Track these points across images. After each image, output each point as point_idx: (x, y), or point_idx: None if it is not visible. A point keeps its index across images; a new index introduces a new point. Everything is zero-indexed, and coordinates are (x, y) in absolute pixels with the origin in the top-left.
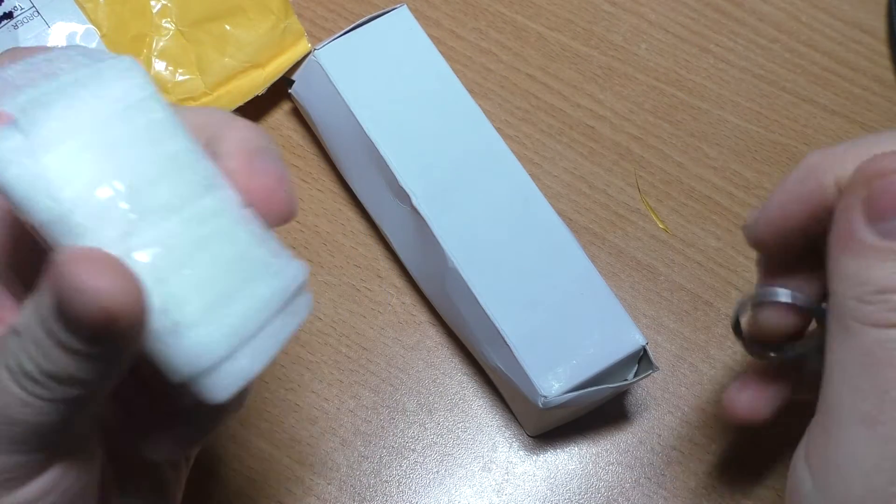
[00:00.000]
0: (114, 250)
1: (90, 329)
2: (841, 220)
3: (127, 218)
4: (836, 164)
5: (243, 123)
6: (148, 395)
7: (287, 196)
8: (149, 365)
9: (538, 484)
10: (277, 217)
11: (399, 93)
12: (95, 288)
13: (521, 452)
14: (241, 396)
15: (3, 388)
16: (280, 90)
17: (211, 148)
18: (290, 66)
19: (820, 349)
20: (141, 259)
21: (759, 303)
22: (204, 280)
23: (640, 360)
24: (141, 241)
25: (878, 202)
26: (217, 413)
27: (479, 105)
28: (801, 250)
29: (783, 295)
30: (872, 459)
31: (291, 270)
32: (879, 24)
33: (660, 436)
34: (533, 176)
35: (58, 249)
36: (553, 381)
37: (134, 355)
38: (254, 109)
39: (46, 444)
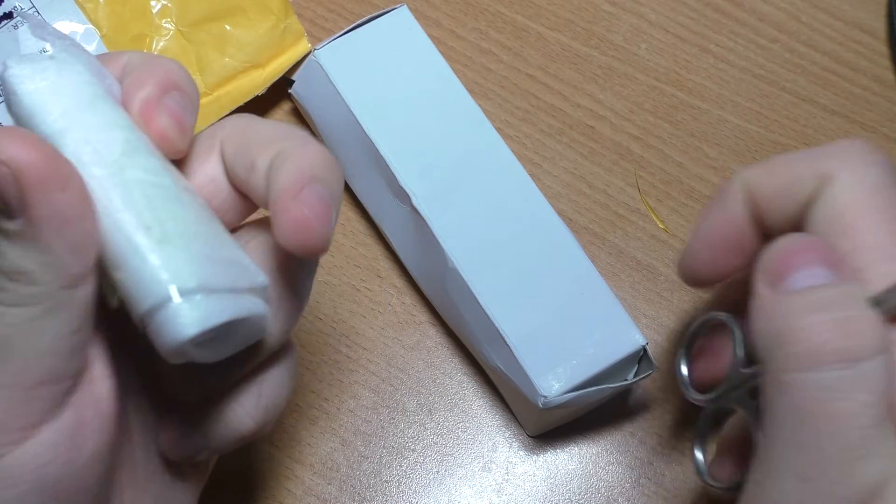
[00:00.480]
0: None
1: (8, 197)
2: (753, 297)
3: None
4: (745, 181)
5: (314, 150)
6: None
7: (319, 233)
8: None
9: (538, 484)
10: (303, 247)
11: (399, 93)
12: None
13: (521, 452)
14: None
15: None
16: (280, 90)
17: (275, 163)
18: (290, 66)
19: (752, 394)
20: (129, 177)
21: (705, 323)
22: (180, 220)
23: (640, 360)
24: (128, 173)
25: (772, 267)
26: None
27: (479, 105)
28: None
29: (727, 317)
30: None
31: (255, 267)
32: (879, 24)
33: (660, 436)
34: (533, 176)
35: None
36: (553, 381)
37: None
38: (254, 109)
39: (39, 370)
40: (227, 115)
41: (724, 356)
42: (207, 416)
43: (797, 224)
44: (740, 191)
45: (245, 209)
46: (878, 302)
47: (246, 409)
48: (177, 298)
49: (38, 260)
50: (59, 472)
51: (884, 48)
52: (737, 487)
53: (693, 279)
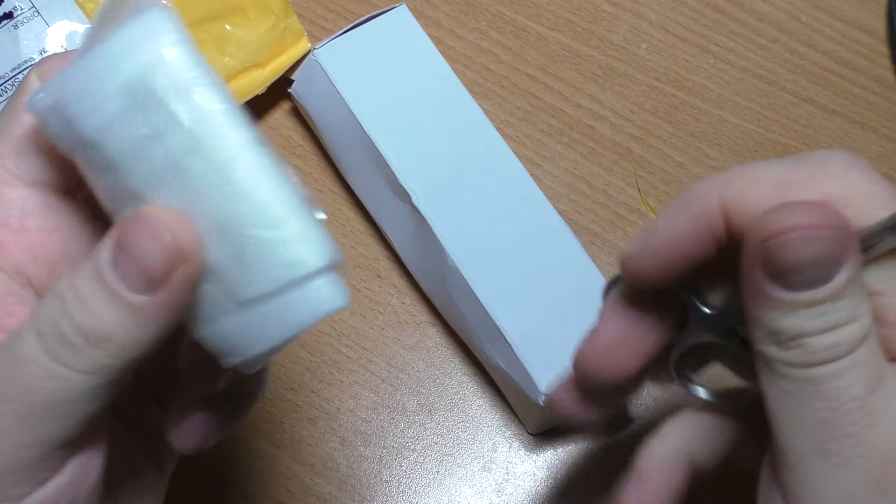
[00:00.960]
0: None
1: (150, 268)
2: (747, 275)
3: None
4: (721, 187)
5: None
6: (180, 383)
7: None
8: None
9: (538, 484)
10: None
11: (399, 92)
12: (165, 228)
13: (522, 452)
14: (263, 383)
15: (31, 360)
16: (280, 90)
17: None
18: (289, 66)
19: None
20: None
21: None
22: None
23: None
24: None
25: (775, 262)
26: (248, 395)
27: (479, 105)
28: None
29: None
30: (834, 487)
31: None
32: (879, 24)
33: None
34: (533, 176)
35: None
36: (554, 378)
37: (171, 324)
38: (254, 109)
39: (68, 432)
40: None
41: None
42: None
43: None
44: (715, 205)
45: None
46: (866, 242)
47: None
48: (329, 272)
49: (132, 339)
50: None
51: (884, 48)
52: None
53: (639, 281)
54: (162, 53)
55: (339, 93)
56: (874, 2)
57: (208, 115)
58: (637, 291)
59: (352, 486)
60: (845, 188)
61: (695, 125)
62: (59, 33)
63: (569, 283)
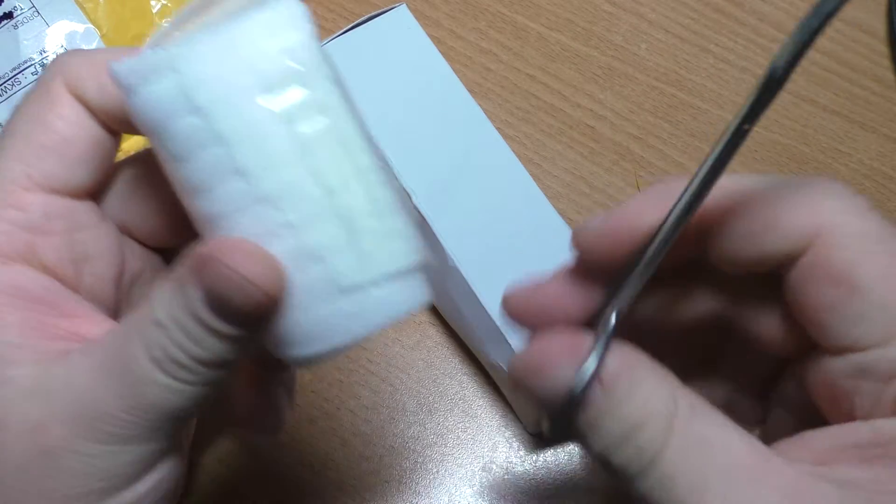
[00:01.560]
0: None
1: (244, 315)
2: None
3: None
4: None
5: None
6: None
7: None
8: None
9: (538, 484)
10: None
11: (399, 92)
12: (251, 277)
13: (521, 452)
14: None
15: (150, 379)
16: None
17: None
18: None
19: None
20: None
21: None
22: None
23: None
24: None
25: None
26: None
27: (479, 105)
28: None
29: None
30: None
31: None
32: (879, 24)
33: None
34: (533, 176)
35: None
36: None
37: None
38: None
39: (177, 431)
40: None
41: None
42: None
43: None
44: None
45: (113, 144)
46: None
47: None
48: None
49: (240, 356)
50: None
51: (884, 48)
52: None
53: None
54: (303, 40)
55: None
56: (874, 2)
57: (342, 103)
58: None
59: (352, 486)
60: (833, 220)
61: (695, 125)
62: (59, 33)
63: None
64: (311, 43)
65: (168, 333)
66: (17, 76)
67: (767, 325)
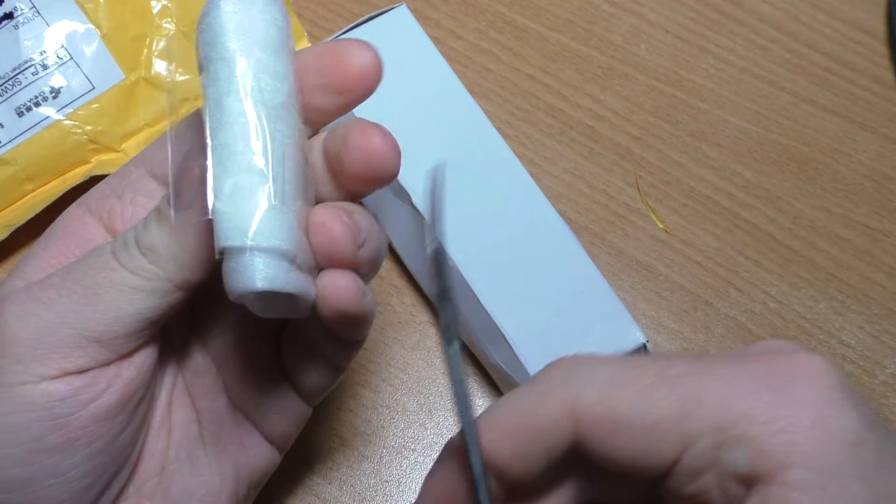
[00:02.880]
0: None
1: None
2: None
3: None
4: (576, 408)
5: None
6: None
7: (393, 156)
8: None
9: None
10: (380, 167)
11: (399, 93)
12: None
13: None
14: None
15: (99, 252)
16: None
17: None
18: None
19: None
20: (277, 128)
21: None
22: (295, 186)
23: None
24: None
25: None
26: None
27: (479, 105)
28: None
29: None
30: None
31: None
32: (879, 24)
33: None
34: (533, 176)
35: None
36: None
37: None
38: None
39: (103, 327)
40: None
41: None
42: None
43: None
44: (566, 420)
45: None
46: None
47: None
48: (258, 253)
49: (170, 250)
50: (65, 413)
51: (884, 48)
52: None
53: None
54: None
55: None
56: (874, 2)
57: (217, 82)
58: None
59: (352, 486)
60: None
61: (695, 125)
62: (59, 33)
63: (569, 283)
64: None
65: (135, 225)
66: (18, 76)
67: None
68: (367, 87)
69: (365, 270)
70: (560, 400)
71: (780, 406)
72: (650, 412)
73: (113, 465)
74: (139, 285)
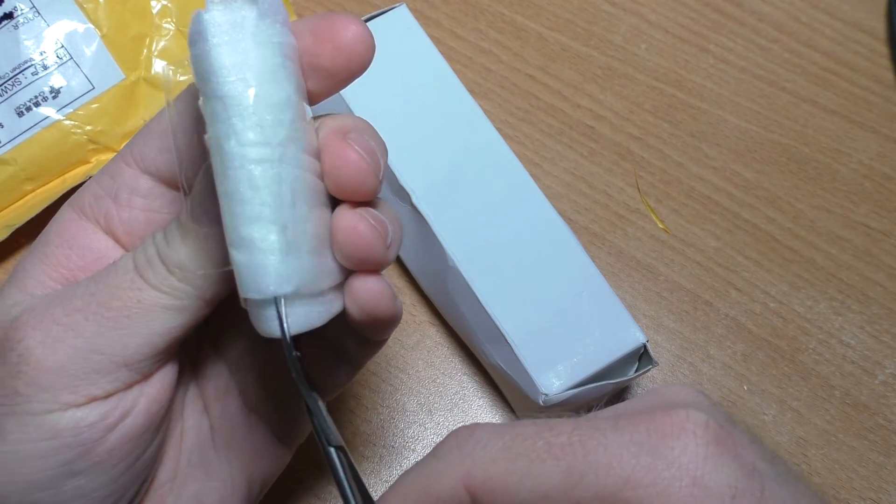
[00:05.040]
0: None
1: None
2: None
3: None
4: (471, 478)
5: (347, 115)
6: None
7: (369, 172)
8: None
9: None
10: (355, 184)
11: (399, 92)
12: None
13: None
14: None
15: (122, 269)
16: None
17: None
18: None
19: None
20: (284, 168)
21: None
22: (309, 223)
23: (640, 358)
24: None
25: None
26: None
27: (479, 105)
28: None
29: None
30: None
31: (338, 266)
32: (879, 24)
33: None
34: (533, 176)
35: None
36: (554, 378)
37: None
38: None
39: (133, 351)
40: None
41: None
42: None
43: None
44: (462, 493)
45: None
46: None
47: None
48: (280, 305)
49: (198, 267)
50: (94, 438)
51: (884, 48)
52: None
53: None
54: (200, 52)
55: (338, 92)
56: (874, 2)
57: (216, 122)
58: None
59: None
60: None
61: (695, 125)
62: (59, 33)
63: (569, 283)
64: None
65: (153, 236)
66: (18, 76)
67: None
68: (359, 64)
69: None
70: (455, 474)
71: (658, 468)
72: (539, 484)
73: (137, 481)
74: (170, 304)
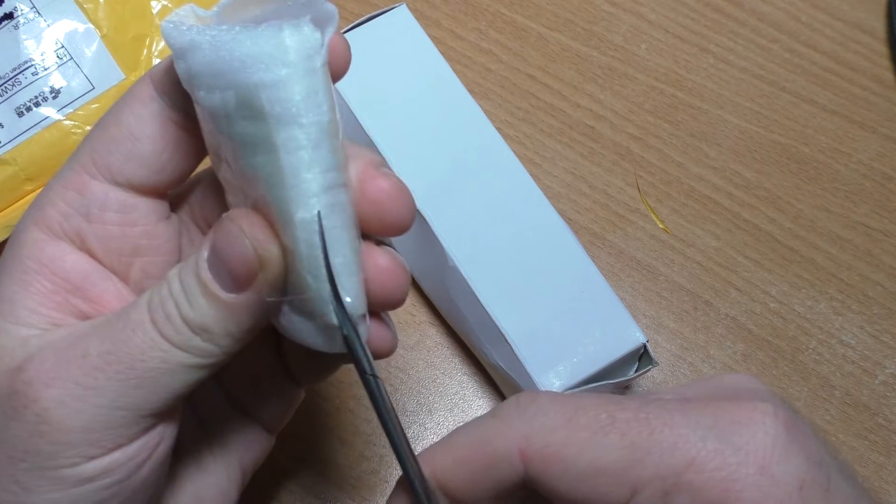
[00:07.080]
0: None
1: (235, 275)
2: None
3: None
4: (518, 435)
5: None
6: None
7: (407, 205)
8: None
9: None
10: (393, 216)
11: (399, 92)
12: (251, 236)
13: None
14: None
15: (141, 330)
16: None
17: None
18: None
19: None
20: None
21: None
22: (354, 265)
23: (640, 358)
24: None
25: None
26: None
27: (479, 105)
28: None
29: None
30: None
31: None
32: (879, 24)
33: None
34: (533, 176)
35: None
36: (554, 378)
37: (259, 319)
38: None
39: (156, 404)
40: None
41: None
42: None
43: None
44: (516, 458)
45: (193, 145)
46: None
47: None
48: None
49: (226, 328)
50: (126, 475)
51: (884, 48)
52: None
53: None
54: (283, 77)
55: (338, 93)
56: (874, 2)
57: (298, 150)
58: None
59: (352, 486)
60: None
61: (695, 125)
62: (59, 33)
63: (569, 283)
64: (299, 82)
65: (170, 287)
66: (18, 76)
67: None
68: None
69: None
70: (513, 437)
71: (725, 454)
72: (599, 458)
73: (155, 497)
74: (194, 363)
